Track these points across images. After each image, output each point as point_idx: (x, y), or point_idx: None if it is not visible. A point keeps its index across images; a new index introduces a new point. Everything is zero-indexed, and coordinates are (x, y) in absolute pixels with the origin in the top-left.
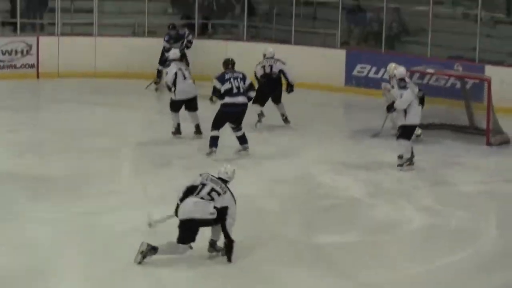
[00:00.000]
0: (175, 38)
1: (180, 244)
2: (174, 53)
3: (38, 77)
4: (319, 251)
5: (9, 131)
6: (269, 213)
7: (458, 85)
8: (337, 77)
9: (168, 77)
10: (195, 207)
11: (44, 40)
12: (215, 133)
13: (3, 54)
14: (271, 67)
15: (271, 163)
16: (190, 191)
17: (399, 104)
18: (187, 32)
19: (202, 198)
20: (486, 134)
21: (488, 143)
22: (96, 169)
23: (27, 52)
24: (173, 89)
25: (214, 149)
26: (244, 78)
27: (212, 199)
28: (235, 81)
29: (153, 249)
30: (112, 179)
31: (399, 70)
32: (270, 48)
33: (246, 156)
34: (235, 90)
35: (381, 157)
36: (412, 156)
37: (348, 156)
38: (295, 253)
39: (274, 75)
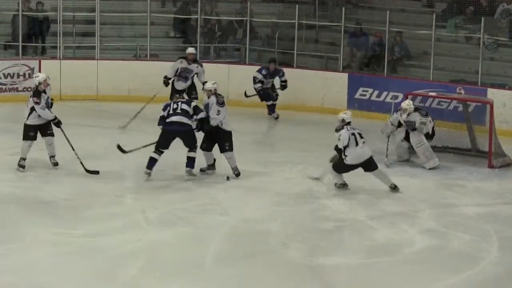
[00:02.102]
0: (271, 74)
1: None
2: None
3: None
4: (320, 273)
5: (10, 154)
6: (270, 235)
7: (461, 108)
8: (339, 101)
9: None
10: None
11: (46, 63)
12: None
13: (5, 77)
14: None
15: (273, 185)
16: None
17: (338, 143)
18: (283, 71)
19: None
20: (489, 156)
21: (490, 166)
22: (97, 192)
23: (29, 75)
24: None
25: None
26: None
27: None
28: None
29: None
30: (113, 202)
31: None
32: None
33: (250, 179)
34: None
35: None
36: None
37: (350, 178)
38: (296, 275)
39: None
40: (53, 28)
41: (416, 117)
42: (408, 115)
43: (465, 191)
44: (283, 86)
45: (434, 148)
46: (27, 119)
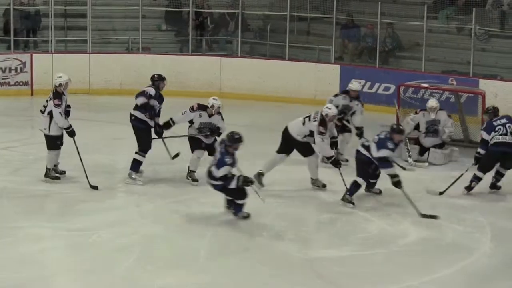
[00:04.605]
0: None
1: None
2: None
3: (32, 94)
4: (315, 265)
5: (3, 148)
6: (264, 228)
7: (453, 99)
8: (332, 93)
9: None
10: None
11: (38, 57)
12: None
13: None
14: None
15: (265, 178)
16: None
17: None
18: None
19: None
20: None
21: None
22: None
23: (21, 69)
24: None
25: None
26: None
27: None
28: None
29: None
30: (106, 196)
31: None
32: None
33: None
34: None
35: None
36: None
37: (343, 171)
38: (291, 268)
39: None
40: (45, 22)
41: (443, 116)
42: (435, 114)
43: (458, 181)
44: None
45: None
46: (49, 130)
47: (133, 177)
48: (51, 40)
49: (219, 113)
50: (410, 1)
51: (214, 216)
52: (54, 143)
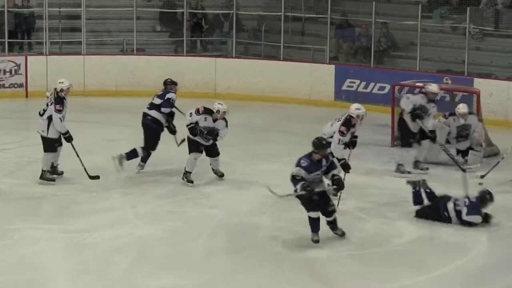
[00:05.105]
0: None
1: None
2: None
3: (27, 96)
4: (311, 265)
5: None
6: (260, 228)
7: (448, 98)
8: (327, 92)
9: None
10: None
11: (33, 59)
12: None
13: None
14: None
15: (261, 178)
16: None
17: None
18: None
19: None
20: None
21: None
22: (86, 187)
23: (16, 71)
24: None
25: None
26: None
27: None
28: None
29: None
30: (102, 197)
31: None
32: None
33: (238, 172)
34: None
35: (371, 171)
36: None
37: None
38: (287, 268)
39: None
40: (39, 24)
41: (474, 120)
42: (465, 119)
43: (454, 181)
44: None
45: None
46: (48, 132)
47: (120, 164)
48: (46, 42)
49: (224, 118)
50: (404, 0)
51: (209, 217)
52: (52, 145)
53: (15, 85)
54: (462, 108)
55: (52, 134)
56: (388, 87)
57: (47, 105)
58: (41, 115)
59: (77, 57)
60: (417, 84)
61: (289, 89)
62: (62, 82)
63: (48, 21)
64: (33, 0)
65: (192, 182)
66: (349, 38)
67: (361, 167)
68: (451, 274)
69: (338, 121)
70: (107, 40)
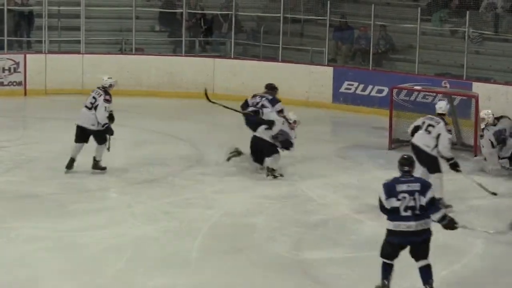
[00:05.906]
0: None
1: None
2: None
3: (25, 94)
4: (306, 267)
5: None
6: (256, 229)
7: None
8: (325, 94)
9: None
10: None
11: (32, 57)
12: None
13: None
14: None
15: (257, 179)
16: None
17: None
18: None
19: None
20: (474, 150)
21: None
22: (83, 186)
23: (15, 69)
24: None
25: None
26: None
27: None
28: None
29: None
30: (98, 197)
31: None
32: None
33: (236, 174)
34: None
35: (368, 173)
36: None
37: (336, 172)
38: (282, 269)
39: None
40: (38, 22)
41: (508, 123)
42: (495, 125)
43: (450, 184)
44: None
45: None
46: (98, 125)
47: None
48: (45, 40)
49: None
50: (404, 3)
51: (206, 217)
52: (103, 137)
53: (14, 83)
54: (481, 114)
55: (101, 126)
56: (386, 89)
57: (94, 98)
58: (89, 108)
59: (76, 56)
60: (416, 87)
61: (287, 90)
62: (111, 78)
63: (48, 20)
64: None
65: (281, 175)
66: (348, 40)
67: (358, 169)
68: (447, 277)
69: (438, 123)
70: (106, 39)
